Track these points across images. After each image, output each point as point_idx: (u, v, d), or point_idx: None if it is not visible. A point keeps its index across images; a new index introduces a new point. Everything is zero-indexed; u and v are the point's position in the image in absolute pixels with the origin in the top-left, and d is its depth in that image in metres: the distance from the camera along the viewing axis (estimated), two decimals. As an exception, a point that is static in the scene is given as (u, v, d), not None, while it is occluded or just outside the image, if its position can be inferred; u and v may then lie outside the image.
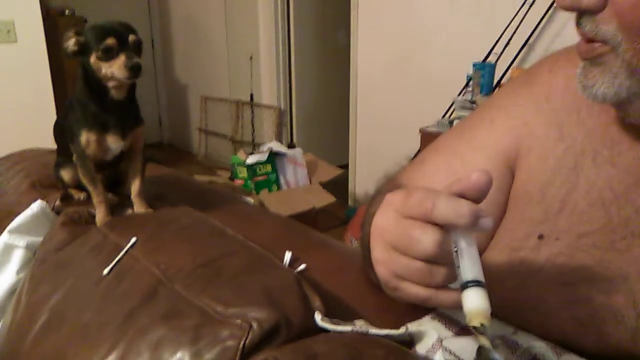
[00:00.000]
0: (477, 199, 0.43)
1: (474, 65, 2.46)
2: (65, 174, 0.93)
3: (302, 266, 0.67)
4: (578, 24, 0.48)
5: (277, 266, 0.61)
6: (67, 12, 4.19)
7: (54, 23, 3.71)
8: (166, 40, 5.44)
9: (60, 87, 3.10)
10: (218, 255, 0.62)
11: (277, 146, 3.19)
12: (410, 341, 0.49)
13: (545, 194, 0.57)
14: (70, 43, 0.78)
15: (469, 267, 0.42)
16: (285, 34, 4.17)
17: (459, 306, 0.42)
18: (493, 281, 0.44)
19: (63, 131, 0.87)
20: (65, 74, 3.51)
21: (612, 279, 0.52)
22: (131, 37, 0.78)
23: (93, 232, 0.76)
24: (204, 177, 3.25)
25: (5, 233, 0.81)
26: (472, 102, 2.40)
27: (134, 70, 0.77)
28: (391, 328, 0.49)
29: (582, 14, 0.48)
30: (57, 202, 0.91)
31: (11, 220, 0.83)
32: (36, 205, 0.85)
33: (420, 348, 0.48)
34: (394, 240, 0.47)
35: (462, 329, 0.52)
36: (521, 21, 2.39)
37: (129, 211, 0.87)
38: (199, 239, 0.69)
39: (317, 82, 4.43)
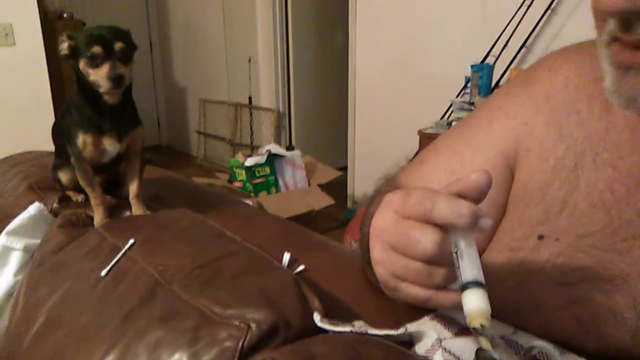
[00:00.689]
0: (476, 199, 0.43)
1: (472, 66, 2.47)
2: (63, 176, 0.93)
3: (301, 267, 0.66)
4: (627, 28, 0.44)
5: (275, 267, 0.60)
6: (65, 15, 4.18)
7: (52, 26, 3.70)
8: (165, 43, 5.44)
9: (59, 90, 3.10)
10: (216, 257, 0.61)
11: (275, 148, 3.19)
12: (409, 341, 0.49)
13: (545, 195, 0.56)
14: (64, 47, 0.78)
15: (469, 267, 0.41)
16: (283, 36, 4.17)
17: (458, 307, 0.42)
18: (493, 282, 0.44)
19: (61, 133, 0.87)
20: (63, 76, 3.51)
21: (613, 279, 0.51)
22: (117, 45, 0.77)
23: (91, 234, 0.75)
24: (202, 180, 3.25)
25: (2, 235, 0.81)
26: (471, 103, 2.40)
27: (116, 81, 0.76)
28: (390, 329, 0.49)
29: (635, 18, 0.43)
30: (55, 204, 0.90)
31: (8, 223, 0.83)
32: (33, 208, 0.85)
33: (420, 348, 0.47)
34: (393, 240, 0.46)
35: (462, 330, 0.52)
36: (519, 22, 2.40)
37: (127, 213, 0.87)
38: (197, 240, 0.68)
39: (315, 84, 4.43)
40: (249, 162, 3.03)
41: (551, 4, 2.36)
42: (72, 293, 0.65)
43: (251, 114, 4.53)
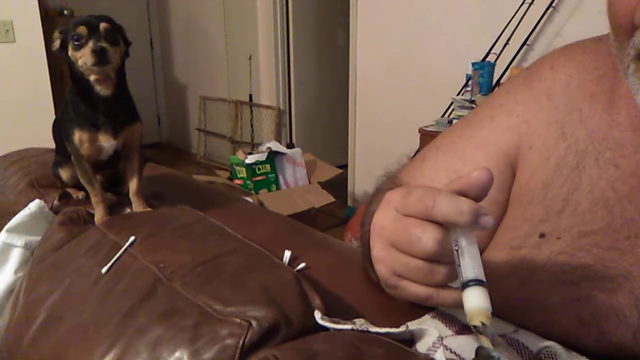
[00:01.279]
0: (478, 197, 0.43)
1: (473, 64, 2.46)
2: (64, 173, 0.93)
3: (302, 265, 0.66)
4: None
5: (276, 265, 0.60)
6: (65, 12, 4.17)
7: (53, 23, 3.69)
8: (165, 41, 5.43)
9: (59, 87, 3.10)
10: (217, 254, 0.61)
11: (276, 146, 3.19)
12: (410, 339, 0.49)
13: (547, 193, 0.56)
14: (55, 43, 0.78)
15: (470, 265, 0.41)
16: (284, 33, 4.16)
17: (459, 305, 0.42)
18: (494, 280, 0.44)
19: (60, 131, 0.87)
20: (63, 73, 3.50)
21: (614, 278, 0.51)
22: (102, 25, 0.77)
23: (91, 231, 0.75)
24: (203, 177, 3.25)
25: (3, 232, 0.81)
26: (472, 101, 2.40)
27: (98, 54, 0.75)
28: (391, 326, 0.49)
29: None
30: (56, 202, 0.90)
31: (9, 220, 0.83)
32: (34, 205, 0.85)
33: (421, 346, 0.47)
34: (393, 238, 0.46)
35: (463, 328, 0.52)
36: (520, 20, 2.39)
37: (128, 210, 0.87)
38: (197, 237, 0.68)
39: (316, 82, 4.43)
40: (250, 159, 3.02)
41: (553, 1, 2.35)
42: (72, 290, 0.65)
43: (252, 112, 4.52)
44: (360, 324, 0.49)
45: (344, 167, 3.65)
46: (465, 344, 0.47)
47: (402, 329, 0.48)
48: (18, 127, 2.78)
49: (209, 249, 0.63)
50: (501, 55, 2.47)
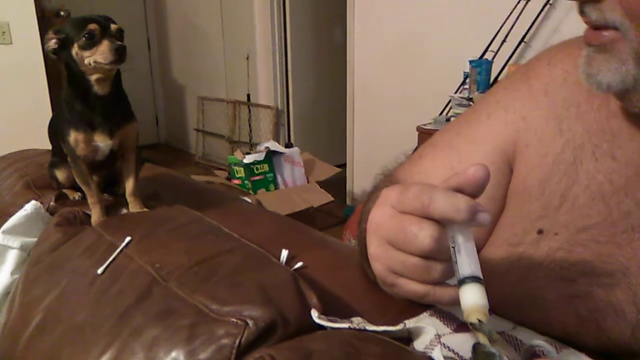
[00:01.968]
0: (474, 194, 0.42)
1: (471, 62, 2.46)
2: (60, 174, 0.93)
3: (299, 264, 0.66)
4: (582, 12, 0.47)
5: (273, 264, 0.60)
6: (62, 13, 4.16)
7: (49, 24, 3.68)
8: (162, 41, 5.42)
9: (56, 88, 3.09)
10: (213, 254, 0.61)
11: (274, 146, 3.18)
12: (408, 338, 0.49)
13: (544, 189, 0.56)
14: (51, 43, 0.78)
15: (467, 262, 0.41)
16: (281, 33, 4.16)
17: (456, 302, 0.42)
18: (492, 277, 0.44)
19: (56, 132, 0.86)
20: (60, 75, 3.49)
21: (612, 273, 0.51)
22: (113, 26, 0.77)
23: (87, 231, 0.75)
24: (201, 178, 3.24)
25: (-1, 234, 0.81)
26: (469, 99, 2.40)
27: (120, 53, 0.75)
28: (389, 325, 0.48)
29: (585, 3, 0.46)
30: (52, 203, 0.90)
31: (5, 221, 0.82)
32: (30, 206, 0.85)
33: (418, 344, 0.47)
34: (390, 235, 0.46)
35: (460, 326, 0.51)
36: (518, 18, 2.39)
37: (124, 211, 0.87)
38: (194, 237, 0.68)
39: (314, 81, 4.43)
40: (248, 159, 3.02)
41: (549, -1, 2.35)
42: (68, 291, 0.65)
43: (250, 112, 4.52)
44: (357, 322, 0.49)
45: (343, 166, 3.65)
46: (463, 342, 0.47)
47: (399, 327, 0.48)
48: (15, 128, 2.77)
49: (205, 248, 0.63)
50: (498, 53, 2.47)
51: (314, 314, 0.50)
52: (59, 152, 0.88)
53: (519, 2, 2.39)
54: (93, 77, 0.78)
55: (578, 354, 0.48)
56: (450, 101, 2.57)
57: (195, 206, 0.80)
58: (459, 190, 0.42)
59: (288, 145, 3.98)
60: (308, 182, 3.18)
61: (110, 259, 0.64)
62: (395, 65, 3.19)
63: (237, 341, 0.47)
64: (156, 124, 5.77)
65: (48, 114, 2.80)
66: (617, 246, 0.51)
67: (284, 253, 0.67)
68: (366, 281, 0.61)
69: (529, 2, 2.36)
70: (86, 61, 0.76)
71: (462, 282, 0.41)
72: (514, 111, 0.62)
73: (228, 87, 4.72)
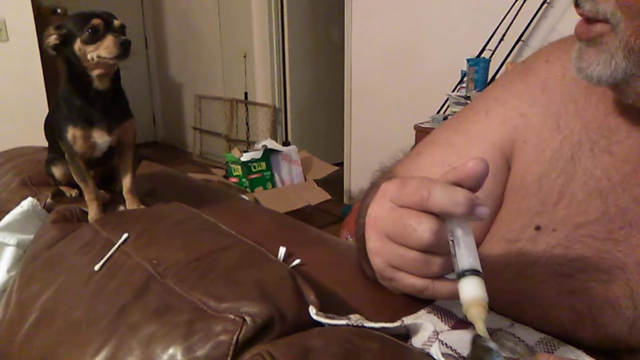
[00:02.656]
0: (473, 188, 0.42)
1: (468, 60, 2.46)
2: (57, 171, 0.92)
3: (297, 261, 0.66)
4: (577, 4, 0.48)
5: (271, 261, 0.60)
6: (59, 10, 4.15)
7: (46, 21, 3.67)
8: (160, 39, 5.41)
9: (53, 85, 3.08)
10: (211, 250, 0.61)
11: (271, 144, 3.17)
12: (406, 334, 0.49)
13: (542, 186, 0.56)
14: (52, 39, 0.77)
15: (466, 255, 0.41)
16: (279, 31, 4.15)
17: (455, 296, 0.42)
18: (490, 273, 0.43)
19: (53, 128, 0.86)
20: (57, 71, 3.49)
21: (610, 269, 0.51)
22: (116, 22, 0.77)
23: (84, 228, 0.75)
24: (198, 176, 3.23)
25: (-5, 231, 0.80)
26: (467, 97, 2.40)
27: (125, 47, 0.75)
28: (387, 321, 0.48)
29: None
30: (49, 200, 0.90)
31: (1, 218, 0.82)
32: (26, 203, 0.84)
33: (416, 341, 0.47)
34: (389, 229, 0.46)
35: (459, 323, 0.51)
36: (515, 16, 2.39)
37: (122, 207, 0.86)
38: (191, 234, 0.68)
39: (311, 80, 4.42)
40: (245, 157, 3.01)
41: (547, -3, 2.35)
42: (65, 288, 0.64)
43: (247, 110, 4.51)
44: (355, 319, 0.49)
45: (340, 164, 3.65)
46: (461, 339, 0.47)
47: (397, 323, 0.48)
48: (11, 125, 2.77)
49: (202, 245, 0.63)
50: (496, 52, 2.47)
51: (312, 310, 0.50)
52: (56, 148, 0.87)
53: (516, 1, 2.39)
54: (94, 73, 0.78)
55: (576, 351, 0.48)
56: (447, 100, 2.57)
57: (192, 203, 0.80)
58: (458, 184, 0.42)
59: (285, 143, 3.98)
60: (305, 180, 3.18)
61: (107, 255, 0.64)
62: (393, 63, 3.19)
63: (235, 338, 0.46)
64: (153, 122, 5.75)
65: (44, 110, 2.79)
66: (615, 242, 0.51)
67: (282, 250, 0.67)
68: (364, 278, 0.61)
69: (527, 1, 2.36)
70: (89, 56, 0.76)
71: (461, 275, 0.41)
72: (512, 108, 0.62)
73: (225, 85, 4.71)
